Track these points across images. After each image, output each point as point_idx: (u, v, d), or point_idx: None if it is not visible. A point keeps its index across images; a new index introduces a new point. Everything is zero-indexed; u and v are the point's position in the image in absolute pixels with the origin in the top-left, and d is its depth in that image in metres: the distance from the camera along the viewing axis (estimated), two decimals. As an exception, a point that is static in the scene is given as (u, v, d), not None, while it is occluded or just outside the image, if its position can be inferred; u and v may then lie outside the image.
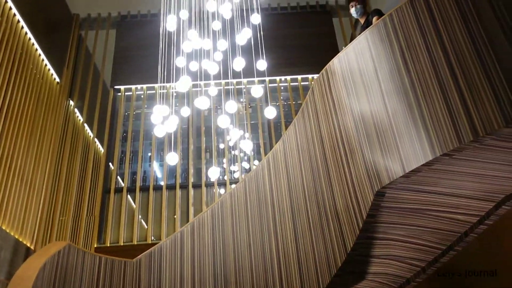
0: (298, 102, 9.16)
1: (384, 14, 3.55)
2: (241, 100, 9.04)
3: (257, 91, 3.82)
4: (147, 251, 4.40)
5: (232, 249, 4.00)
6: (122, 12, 10.16)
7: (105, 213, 7.36)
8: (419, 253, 3.49)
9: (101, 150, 8.82)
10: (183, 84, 3.46)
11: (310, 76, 9.06)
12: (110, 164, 8.04)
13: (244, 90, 9.01)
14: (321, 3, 10.30)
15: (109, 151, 8.12)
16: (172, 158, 3.59)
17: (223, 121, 3.92)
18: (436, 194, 3.01)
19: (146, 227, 7.46)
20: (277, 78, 9.00)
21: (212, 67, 3.80)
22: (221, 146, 8.78)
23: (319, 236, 3.33)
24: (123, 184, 7.76)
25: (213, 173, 3.65)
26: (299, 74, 9.09)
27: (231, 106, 3.67)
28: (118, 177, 8.05)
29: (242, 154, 8.71)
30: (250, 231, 3.96)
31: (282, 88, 9.18)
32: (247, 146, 3.62)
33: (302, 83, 9.05)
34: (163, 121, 3.60)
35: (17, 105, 6.59)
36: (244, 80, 8.68)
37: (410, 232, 3.32)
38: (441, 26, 2.71)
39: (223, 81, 8.34)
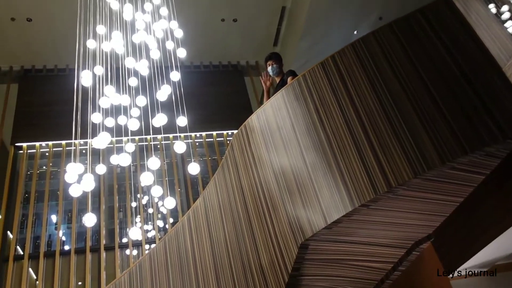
0: (214, 158, 9.20)
1: (297, 75, 3.79)
2: (157, 156, 8.86)
3: (180, 147, 3.78)
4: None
5: (152, 315, 3.75)
6: (26, 66, 9.67)
7: (3, 285, 6.52)
8: (342, 303, 3.56)
9: (-1, 215, 7.97)
10: (101, 140, 3.31)
11: (225, 132, 9.21)
12: (9, 232, 7.23)
13: (159, 146, 8.87)
14: (233, 63, 10.73)
15: (8, 214, 7.35)
16: (90, 219, 3.35)
17: (146, 178, 3.78)
18: (355, 243, 3.14)
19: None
20: (192, 134, 9.02)
21: (133, 124, 3.72)
22: (133, 204, 8.41)
23: (245, 294, 3.27)
24: (23, 251, 7.01)
25: (134, 233, 3.46)
26: (214, 130, 9.21)
27: (154, 162, 3.57)
28: (18, 244, 7.24)
29: (158, 214, 8.43)
30: (172, 294, 3.76)
31: (197, 144, 9.19)
32: (170, 203, 3.51)
33: (217, 139, 9.16)
34: (78, 179, 3.38)
35: None
36: (159, 136, 8.57)
37: (332, 283, 3.40)
38: (351, 87, 2.95)
39: (137, 137, 8.13)
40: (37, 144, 8.34)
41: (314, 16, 9.14)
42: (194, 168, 3.86)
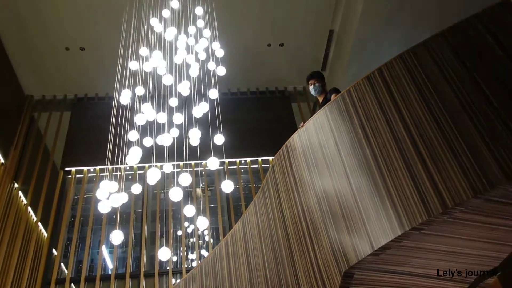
0: (259, 185, 9.05)
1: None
2: (201, 184, 8.85)
3: (213, 163, 3.68)
4: None
5: None
6: (79, 94, 10.10)
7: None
8: None
9: (45, 235, 8.17)
10: (133, 156, 3.28)
11: (270, 158, 9.08)
12: (54, 250, 7.40)
13: (203, 172, 8.86)
14: (280, 88, 10.67)
15: (54, 236, 7.52)
16: (117, 237, 3.28)
17: (189, 210, 3.71)
18: (407, 275, 2.84)
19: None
20: (237, 160, 8.95)
21: (167, 139, 3.67)
22: (179, 233, 8.37)
23: (284, 327, 3.04)
24: (66, 273, 7.09)
25: (164, 254, 3.35)
26: (259, 156, 9.09)
27: (185, 178, 3.49)
28: (62, 264, 7.38)
29: (200, 242, 8.33)
30: (207, 324, 3.58)
31: (242, 170, 9.10)
32: (203, 223, 3.39)
33: (262, 165, 9.02)
34: (112, 199, 3.35)
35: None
36: (203, 162, 8.56)
37: (381, 318, 3.08)
38: (399, 99, 2.75)
39: (181, 163, 8.17)
40: (85, 168, 8.57)
41: (363, 38, 8.94)
42: (227, 186, 3.73)
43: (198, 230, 7.84)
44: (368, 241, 2.49)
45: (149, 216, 8.06)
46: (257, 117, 9.83)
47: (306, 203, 3.22)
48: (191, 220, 8.36)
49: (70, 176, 8.54)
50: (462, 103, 2.44)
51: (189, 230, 8.74)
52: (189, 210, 3.50)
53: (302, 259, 3.08)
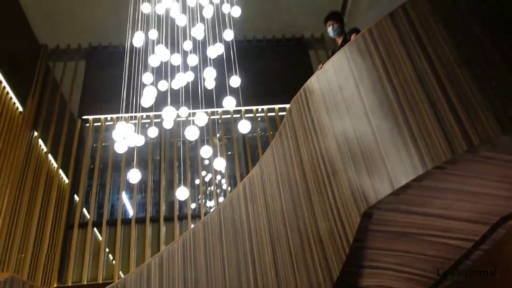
0: (276, 133, 9.01)
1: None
2: (217, 134, 8.88)
3: (229, 103, 3.62)
4: (109, 286, 4.01)
5: (205, 284, 3.68)
6: (93, 43, 10.00)
7: (68, 250, 6.87)
8: (411, 283, 3.26)
9: (66, 182, 8.39)
10: (147, 97, 3.25)
11: (287, 106, 8.97)
12: (75, 196, 7.62)
13: (220, 120, 8.86)
14: (297, 36, 10.38)
15: (75, 182, 7.72)
16: (134, 175, 3.32)
17: (206, 151, 3.70)
18: (428, 216, 2.82)
19: (113, 263, 7.00)
20: (253, 107, 8.88)
21: (182, 80, 3.60)
22: (197, 181, 8.50)
23: (302, 266, 3.08)
24: (88, 218, 7.33)
25: (182, 194, 3.38)
26: (276, 104, 9.00)
27: (201, 118, 3.45)
28: (84, 209, 7.62)
29: (218, 190, 8.47)
30: (226, 264, 3.66)
31: (259, 119, 9.05)
32: (220, 164, 3.39)
33: (279, 113, 8.95)
34: (128, 139, 3.35)
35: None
36: (220, 110, 8.54)
37: (401, 260, 3.10)
38: (423, 35, 2.62)
39: (197, 111, 8.13)
40: (102, 117, 8.64)
41: (384, -20, 8.55)
42: (244, 126, 3.69)
43: (215, 173, 7.92)
44: (389, 181, 2.45)
45: (167, 163, 8.16)
46: (273, 65, 9.64)
47: (324, 146, 3.17)
48: (209, 169, 8.46)
49: (88, 124, 8.63)
50: (493, 38, 2.31)
51: (207, 179, 8.87)
52: (206, 151, 3.49)
53: (320, 201, 3.07)
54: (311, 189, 3.21)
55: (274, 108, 9.03)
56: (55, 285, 6.48)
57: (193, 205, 8.59)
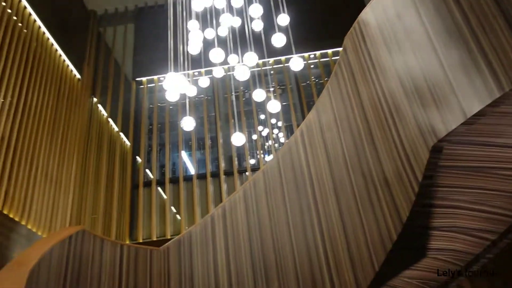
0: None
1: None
2: (271, 88, 8.74)
3: (278, 40, 3.45)
4: (175, 238, 4.16)
5: (269, 232, 3.70)
6: (139, 4, 10.04)
7: (136, 208, 7.23)
8: (487, 223, 3.07)
9: (127, 144, 8.72)
10: (194, 42, 3.17)
11: (341, 49, 8.61)
12: (137, 157, 7.91)
13: (271, 72, 8.70)
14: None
15: (135, 144, 8.01)
16: (188, 123, 3.31)
17: (259, 95, 3.61)
18: (504, 147, 2.59)
19: (179, 219, 7.29)
20: (306, 54, 8.61)
21: (229, 21, 3.48)
22: (254, 137, 8.51)
23: (368, 209, 2.98)
24: (151, 177, 7.62)
25: (238, 139, 3.35)
26: (329, 48, 8.66)
27: (251, 59, 3.34)
28: (147, 170, 7.92)
29: (276, 145, 8.43)
30: (289, 212, 3.63)
31: (312, 66, 8.78)
32: (275, 106, 3.29)
33: (333, 58, 8.62)
34: (180, 87, 3.32)
35: (39, 104, 6.57)
36: (271, 60, 8.36)
37: (475, 197, 2.91)
38: None
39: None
40: (155, 77, 8.77)
41: None
42: (296, 63, 3.53)
43: (271, 127, 7.86)
44: (460, 110, 2.25)
45: (223, 118, 8.21)
46: (324, 6, 9.20)
47: (385, 82, 2.97)
48: (265, 123, 8.41)
49: (142, 86, 8.81)
50: None
51: (264, 134, 8.85)
52: (259, 94, 3.39)
53: (383, 140, 2.92)
54: (373, 128, 3.06)
55: (327, 52, 8.70)
56: (127, 243, 6.88)
57: (252, 161, 8.66)
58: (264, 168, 3.93)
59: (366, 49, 3.25)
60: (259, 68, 8.19)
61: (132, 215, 7.19)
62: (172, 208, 7.46)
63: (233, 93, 6.98)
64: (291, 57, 3.90)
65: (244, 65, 3.33)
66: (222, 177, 7.26)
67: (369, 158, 3.06)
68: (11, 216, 5.43)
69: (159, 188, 7.56)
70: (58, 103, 7.21)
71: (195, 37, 3.23)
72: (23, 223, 5.59)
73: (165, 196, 7.42)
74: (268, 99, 8.08)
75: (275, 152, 8.01)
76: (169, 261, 4.01)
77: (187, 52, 4.14)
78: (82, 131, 7.72)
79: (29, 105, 6.30)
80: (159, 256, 4.04)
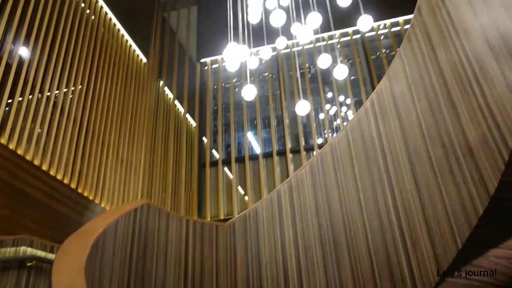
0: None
1: None
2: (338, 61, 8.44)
3: (365, 22, 3.21)
4: (241, 214, 4.12)
5: (339, 207, 3.53)
6: (201, -14, 10.11)
7: (203, 188, 7.34)
8: None
9: (193, 125, 8.86)
10: (253, 11, 3.04)
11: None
12: (204, 138, 8.02)
13: (339, 46, 8.38)
14: None
15: (201, 125, 8.11)
16: (249, 91, 3.21)
17: (324, 61, 3.44)
18: None
19: (246, 199, 7.31)
20: (375, 24, 8.19)
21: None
22: (321, 116, 8.30)
23: (449, 180, 2.73)
24: (218, 157, 7.70)
25: (302, 108, 3.20)
26: (400, 16, 8.16)
27: (314, 17, 3.15)
28: (213, 150, 8.02)
29: (345, 123, 8.17)
30: (359, 186, 3.45)
31: (381, 37, 8.34)
32: (342, 71, 3.09)
33: (405, 27, 8.13)
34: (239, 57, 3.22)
35: (108, 88, 6.82)
36: (337, 33, 8.05)
37: None
38: None
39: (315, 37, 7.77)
40: (219, 57, 8.80)
41: None
42: (364, 22, 3.29)
43: (340, 105, 7.61)
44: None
45: (288, 95, 8.06)
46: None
47: (468, 42, 2.68)
48: (332, 101, 8.17)
49: (206, 67, 8.88)
50: None
51: (331, 112, 8.60)
52: (323, 60, 3.21)
53: (466, 105, 2.64)
54: (453, 93, 2.78)
55: (398, 21, 8.21)
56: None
57: (319, 140, 8.45)
58: (331, 142, 3.75)
59: (444, 7, 2.97)
60: (325, 42, 7.92)
61: (200, 195, 7.32)
62: (239, 188, 7.49)
63: (297, 69, 6.80)
64: (358, 26, 3.65)
65: (306, 27, 3.16)
66: (289, 155, 7.15)
67: (449, 126, 2.79)
68: (85, 194, 5.72)
69: (225, 168, 7.62)
70: (125, 86, 7.45)
71: (255, 3, 3.10)
72: (97, 201, 5.87)
73: (231, 176, 7.47)
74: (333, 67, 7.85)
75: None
76: (235, 237, 3.98)
77: (248, 23, 4.02)
78: (150, 113, 7.94)
79: (99, 89, 6.56)
80: (225, 232, 4.02)
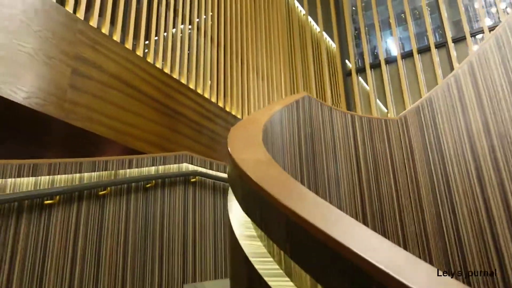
0: None
1: None
2: None
3: None
4: (412, 106, 3.60)
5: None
6: None
7: (350, 96, 6.92)
8: None
9: (329, 39, 8.33)
10: None
11: None
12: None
13: None
14: None
15: (340, 31, 7.53)
16: None
17: None
18: None
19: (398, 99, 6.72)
20: None
21: None
22: (476, 5, 7.05)
23: None
24: (364, 62, 7.11)
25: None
26: None
27: None
28: (355, 59, 7.45)
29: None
30: None
31: None
32: None
33: None
34: None
35: (238, 4, 6.68)
36: None
37: None
38: None
39: None
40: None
41: None
42: None
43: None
44: None
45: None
46: None
47: None
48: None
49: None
50: None
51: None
52: None
53: None
54: None
55: None
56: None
57: (488, 22, 7.23)
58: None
59: None
60: None
61: (348, 104, 6.91)
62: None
63: None
64: None
65: None
66: (451, 45, 6.24)
67: None
68: (233, 112, 5.87)
69: (372, 72, 7.01)
70: (255, 2, 7.23)
71: None
72: (240, 116, 5.98)
73: (384, 79, 6.83)
74: None
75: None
76: (408, 131, 3.53)
77: None
78: (283, 29, 7.69)
79: (234, 10, 6.50)
80: (396, 126, 3.59)
